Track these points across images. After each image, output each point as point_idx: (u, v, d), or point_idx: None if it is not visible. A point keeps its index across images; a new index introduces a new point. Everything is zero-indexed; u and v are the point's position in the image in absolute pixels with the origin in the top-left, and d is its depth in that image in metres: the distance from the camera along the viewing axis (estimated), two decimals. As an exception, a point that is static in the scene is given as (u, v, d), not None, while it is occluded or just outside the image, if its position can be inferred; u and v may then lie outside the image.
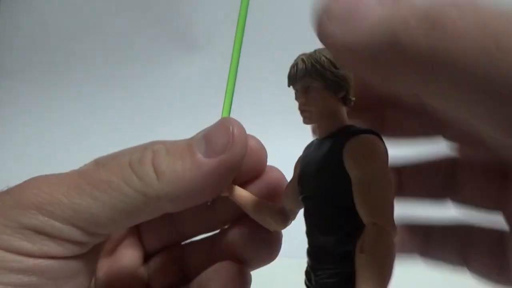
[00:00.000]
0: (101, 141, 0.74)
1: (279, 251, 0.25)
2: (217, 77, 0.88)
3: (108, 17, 0.87)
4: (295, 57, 0.21)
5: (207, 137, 0.21)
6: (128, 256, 0.27)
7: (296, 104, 0.21)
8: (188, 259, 0.28)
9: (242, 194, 0.24)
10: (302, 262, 0.22)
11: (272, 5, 0.86)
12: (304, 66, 0.19)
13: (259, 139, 0.25)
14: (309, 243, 0.20)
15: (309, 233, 0.20)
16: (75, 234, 0.20)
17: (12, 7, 0.87)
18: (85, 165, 0.25)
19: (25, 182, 0.21)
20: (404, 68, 0.13)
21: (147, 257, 0.28)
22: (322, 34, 0.14)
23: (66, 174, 0.21)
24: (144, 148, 0.22)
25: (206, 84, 0.88)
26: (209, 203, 0.24)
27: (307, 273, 0.21)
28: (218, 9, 0.87)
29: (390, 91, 0.19)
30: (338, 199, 0.18)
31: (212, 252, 0.27)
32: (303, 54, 0.20)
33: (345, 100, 0.20)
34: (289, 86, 0.20)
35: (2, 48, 0.88)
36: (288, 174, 0.24)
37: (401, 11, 0.13)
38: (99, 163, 0.23)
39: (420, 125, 0.23)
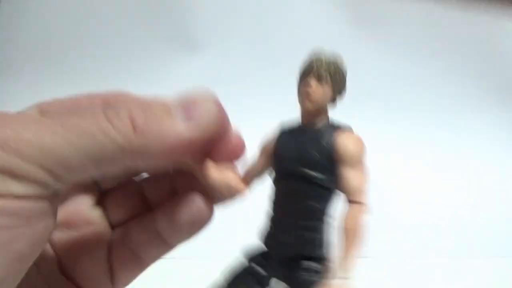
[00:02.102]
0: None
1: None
2: (217, 77, 0.89)
3: (108, 17, 0.87)
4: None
5: (187, 108, 0.22)
6: (80, 198, 0.27)
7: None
8: (147, 193, 0.27)
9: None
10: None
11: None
12: (327, 65, 0.23)
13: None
14: (279, 213, 0.24)
15: (282, 205, 0.24)
16: (42, 175, 0.18)
17: (12, 7, 0.87)
18: (28, 109, 0.24)
19: None
20: None
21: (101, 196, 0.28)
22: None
23: (29, 114, 0.20)
24: (105, 98, 0.22)
25: (206, 84, 0.88)
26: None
27: (271, 236, 0.24)
28: (218, 9, 0.87)
29: None
30: (322, 182, 0.23)
31: (173, 186, 0.27)
32: (322, 54, 0.24)
33: (334, 101, 0.24)
34: (304, 74, 0.24)
35: (2, 48, 0.89)
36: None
37: None
38: (56, 111, 0.21)
39: None
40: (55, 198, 0.21)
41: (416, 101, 0.86)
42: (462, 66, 0.87)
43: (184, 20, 0.87)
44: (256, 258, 0.24)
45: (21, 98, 0.87)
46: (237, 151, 0.25)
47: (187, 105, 0.21)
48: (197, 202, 0.24)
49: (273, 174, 0.24)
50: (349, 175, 0.22)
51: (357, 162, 0.22)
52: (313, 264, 0.22)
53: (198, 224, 0.24)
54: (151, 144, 0.20)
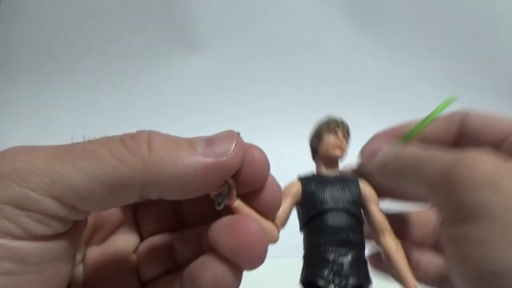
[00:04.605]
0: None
1: (261, 255, 0.22)
2: (216, 77, 0.88)
3: (108, 17, 0.87)
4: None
5: (209, 140, 0.21)
6: (123, 242, 0.26)
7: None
8: (179, 247, 0.26)
9: (242, 207, 0.24)
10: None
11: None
12: (347, 126, 0.30)
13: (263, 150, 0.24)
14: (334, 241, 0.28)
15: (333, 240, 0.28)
16: (53, 206, 0.18)
17: (12, 7, 0.87)
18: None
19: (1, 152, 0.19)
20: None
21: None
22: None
23: (49, 146, 0.20)
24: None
25: (206, 84, 0.88)
26: (220, 207, 0.24)
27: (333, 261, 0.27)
28: (218, 9, 0.87)
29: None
30: (358, 213, 0.28)
31: (202, 243, 0.25)
32: (338, 117, 0.30)
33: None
34: (333, 128, 0.29)
35: (2, 48, 0.89)
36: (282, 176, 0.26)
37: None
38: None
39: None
40: (74, 235, 0.20)
41: (416, 99, 0.86)
42: (463, 61, 0.87)
43: (184, 20, 0.87)
44: None
45: (21, 99, 0.87)
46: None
47: (211, 141, 0.21)
48: (219, 266, 0.22)
49: (310, 215, 0.28)
50: (378, 211, 0.28)
51: (378, 201, 0.29)
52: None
53: None
54: (167, 169, 0.19)
